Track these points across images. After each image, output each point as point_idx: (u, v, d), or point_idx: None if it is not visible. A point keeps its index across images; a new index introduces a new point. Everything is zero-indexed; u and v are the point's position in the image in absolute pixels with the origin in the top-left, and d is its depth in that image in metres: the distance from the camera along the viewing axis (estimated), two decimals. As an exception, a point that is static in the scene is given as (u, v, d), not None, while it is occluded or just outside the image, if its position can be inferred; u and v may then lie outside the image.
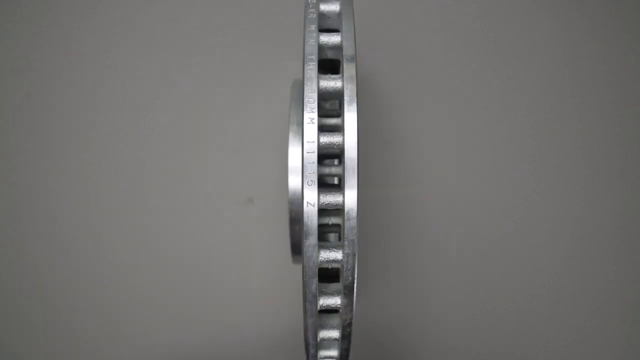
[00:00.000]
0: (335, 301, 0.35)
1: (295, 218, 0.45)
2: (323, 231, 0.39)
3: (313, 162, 0.32)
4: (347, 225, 0.33)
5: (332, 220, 0.37)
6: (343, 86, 0.34)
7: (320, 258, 0.34)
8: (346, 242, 0.33)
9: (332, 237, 0.47)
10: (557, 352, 0.65)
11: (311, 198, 0.32)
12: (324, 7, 0.36)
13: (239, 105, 0.62)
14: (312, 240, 0.32)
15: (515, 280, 0.65)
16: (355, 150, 0.33)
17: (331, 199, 0.33)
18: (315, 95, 0.33)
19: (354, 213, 0.32)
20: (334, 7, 0.37)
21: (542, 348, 0.65)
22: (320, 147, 0.33)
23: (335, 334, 0.38)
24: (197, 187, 0.66)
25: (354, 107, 0.33)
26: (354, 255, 0.33)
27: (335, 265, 0.34)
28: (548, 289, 0.66)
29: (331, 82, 0.34)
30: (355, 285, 0.33)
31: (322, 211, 0.34)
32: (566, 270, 0.66)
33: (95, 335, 0.63)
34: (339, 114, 0.37)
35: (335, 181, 0.45)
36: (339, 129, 0.35)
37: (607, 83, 0.69)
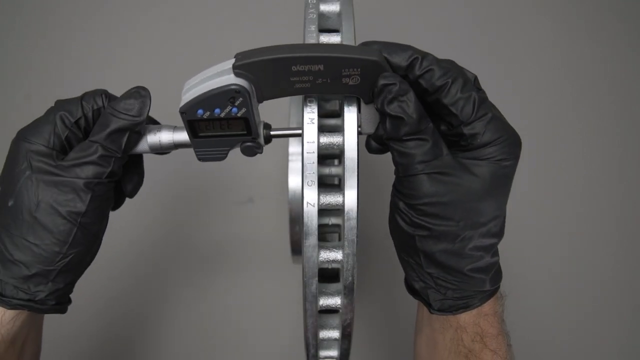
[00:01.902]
0: (335, 301, 0.35)
1: (295, 218, 0.45)
2: (323, 231, 0.39)
3: (313, 163, 0.32)
4: (347, 225, 0.33)
5: (332, 220, 0.37)
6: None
7: (320, 258, 0.34)
8: (346, 242, 0.33)
9: (332, 237, 0.47)
10: (558, 351, 0.65)
11: (311, 198, 0.32)
12: (324, 8, 0.36)
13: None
14: (312, 240, 0.32)
15: (515, 280, 0.65)
16: (355, 150, 0.33)
17: (331, 199, 0.33)
18: (315, 96, 0.33)
19: (353, 213, 0.32)
20: (334, 8, 0.37)
21: (542, 347, 0.65)
22: (320, 148, 0.33)
23: (335, 334, 0.38)
24: (197, 187, 0.66)
25: (354, 107, 0.33)
26: (354, 255, 0.33)
27: (335, 266, 0.34)
28: (548, 289, 0.66)
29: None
30: (355, 285, 0.33)
31: (322, 211, 0.34)
32: (566, 269, 0.66)
33: (99, 329, 0.63)
34: (339, 114, 0.37)
35: (336, 181, 0.45)
36: (338, 130, 0.35)
37: (605, 83, 0.69)
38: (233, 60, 0.30)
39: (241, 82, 0.30)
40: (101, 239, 0.36)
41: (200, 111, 0.31)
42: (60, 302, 0.34)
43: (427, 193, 0.31)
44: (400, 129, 0.30)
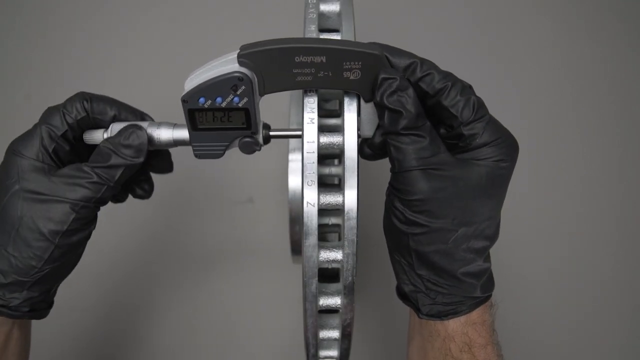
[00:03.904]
0: (335, 301, 0.35)
1: (295, 218, 0.45)
2: (323, 231, 0.39)
3: (313, 162, 0.32)
4: (347, 225, 0.33)
5: (332, 220, 0.37)
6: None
7: (320, 258, 0.34)
8: (346, 242, 0.33)
9: (332, 237, 0.47)
10: (558, 351, 0.65)
11: (311, 198, 0.32)
12: (324, 7, 0.36)
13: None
14: (312, 240, 0.32)
15: (515, 280, 0.65)
16: (355, 150, 0.33)
17: (331, 199, 0.33)
18: (315, 96, 0.33)
19: (353, 213, 0.32)
20: (334, 7, 0.37)
21: (542, 347, 0.65)
22: (320, 147, 0.33)
23: (335, 333, 0.38)
24: (197, 187, 0.66)
25: (354, 107, 0.33)
26: (354, 255, 0.33)
27: (335, 265, 0.34)
28: (548, 289, 0.66)
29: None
30: (355, 285, 0.33)
31: (322, 211, 0.34)
32: (566, 269, 0.66)
33: (96, 330, 0.63)
34: (339, 114, 0.37)
35: (336, 181, 0.45)
36: (338, 129, 0.35)
37: (605, 83, 0.69)
38: (238, 51, 0.31)
39: (245, 70, 0.30)
40: (81, 254, 0.36)
41: (202, 99, 0.31)
42: (36, 309, 0.35)
43: (422, 189, 0.31)
44: (398, 123, 0.31)
